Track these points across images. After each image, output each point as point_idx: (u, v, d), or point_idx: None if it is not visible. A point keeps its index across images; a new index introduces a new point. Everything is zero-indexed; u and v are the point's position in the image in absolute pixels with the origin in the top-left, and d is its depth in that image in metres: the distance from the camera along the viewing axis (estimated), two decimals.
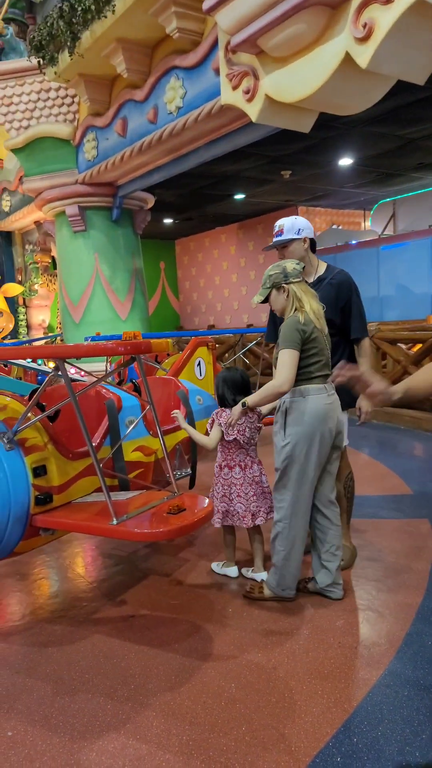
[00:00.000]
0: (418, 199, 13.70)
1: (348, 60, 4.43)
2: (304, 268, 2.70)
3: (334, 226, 15.13)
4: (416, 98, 7.49)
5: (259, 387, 2.82)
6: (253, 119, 5.39)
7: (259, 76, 5.22)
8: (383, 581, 2.88)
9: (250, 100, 5.35)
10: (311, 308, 2.59)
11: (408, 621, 2.50)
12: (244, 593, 2.79)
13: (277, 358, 2.59)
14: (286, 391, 2.54)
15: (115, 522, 2.19)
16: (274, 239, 2.96)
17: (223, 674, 2.20)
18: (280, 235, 2.93)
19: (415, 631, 2.42)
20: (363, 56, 4.29)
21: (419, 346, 7.01)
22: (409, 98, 7.46)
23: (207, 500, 2.45)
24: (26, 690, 2.19)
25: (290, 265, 2.63)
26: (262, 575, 2.92)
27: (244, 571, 3.03)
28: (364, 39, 4.21)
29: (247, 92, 5.34)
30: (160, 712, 2.01)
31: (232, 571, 3.04)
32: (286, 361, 2.51)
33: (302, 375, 2.57)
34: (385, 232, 14.11)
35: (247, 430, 2.87)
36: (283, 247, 2.95)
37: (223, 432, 2.86)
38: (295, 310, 2.59)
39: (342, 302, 2.91)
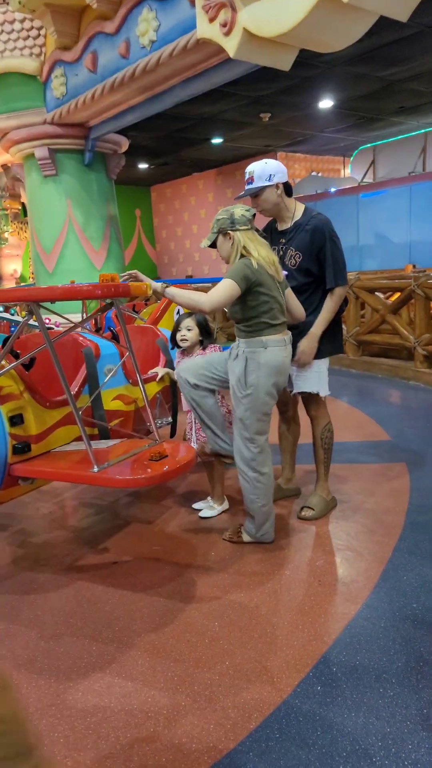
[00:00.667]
0: (399, 145, 13.44)
1: None
2: (254, 215, 2.63)
3: (314, 173, 14.82)
4: (399, 36, 7.23)
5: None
6: (231, 54, 5.16)
7: (237, 8, 4.97)
8: (362, 522, 2.96)
9: (227, 33, 5.11)
10: (260, 255, 2.52)
11: (385, 558, 2.58)
12: (224, 538, 2.83)
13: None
14: (206, 311, 2.55)
15: (96, 469, 2.17)
16: (246, 187, 2.83)
17: (207, 614, 2.25)
18: (251, 183, 2.79)
19: (391, 567, 2.50)
20: None
21: (397, 294, 7.01)
22: (391, 36, 7.20)
23: (189, 448, 2.45)
24: (9, 635, 2.21)
25: (239, 210, 2.55)
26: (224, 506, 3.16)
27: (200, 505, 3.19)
28: None
29: (224, 25, 5.08)
30: (144, 652, 2.06)
31: (225, 506, 3.18)
32: (222, 288, 2.46)
33: (257, 325, 2.55)
34: (364, 180, 13.87)
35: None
36: (255, 195, 2.82)
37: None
38: (241, 256, 2.52)
39: (316, 249, 2.79)
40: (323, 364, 2.96)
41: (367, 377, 6.85)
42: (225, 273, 2.57)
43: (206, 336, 3.11)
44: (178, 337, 3.08)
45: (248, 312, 2.54)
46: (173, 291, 2.51)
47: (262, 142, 13.08)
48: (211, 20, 5.19)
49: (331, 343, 2.95)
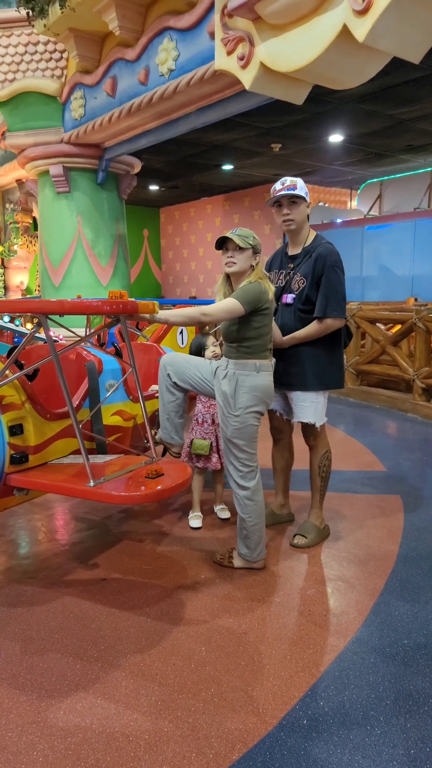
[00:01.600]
0: (405, 182, 13.68)
1: (345, 32, 4.36)
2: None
3: (321, 204, 15.04)
4: (410, 78, 7.41)
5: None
6: (247, 87, 5.28)
7: (255, 43, 5.11)
8: (354, 553, 2.94)
9: (244, 66, 5.24)
10: (269, 283, 2.61)
11: (376, 592, 2.55)
12: (215, 560, 2.81)
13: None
14: (205, 323, 2.57)
15: (92, 484, 2.16)
16: (286, 191, 2.75)
17: (194, 638, 2.22)
18: (293, 189, 2.75)
19: (383, 602, 2.47)
20: (361, 29, 4.22)
21: (398, 326, 7.06)
22: (402, 77, 7.38)
23: (184, 467, 2.44)
24: None
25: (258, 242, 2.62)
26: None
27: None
28: (362, 12, 4.13)
29: (241, 58, 5.22)
30: (129, 673, 2.02)
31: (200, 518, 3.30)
32: (226, 305, 2.48)
33: (252, 348, 2.59)
34: (370, 213, 14.08)
35: None
36: (292, 202, 2.78)
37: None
38: (259, 278, 2.57)
39: (316, 277, 2.78)
40: (321, 396, 2.96)
41: (364, 407, 6.86)
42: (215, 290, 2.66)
43: None
44: (208, 354, 3.11)
45: (249, 332, 2.57)
46: (165, 314, 2.49)
47: (271, 171, 13.30)
48: (229, 53, 5.33)
49: (333, 375, 2.95)
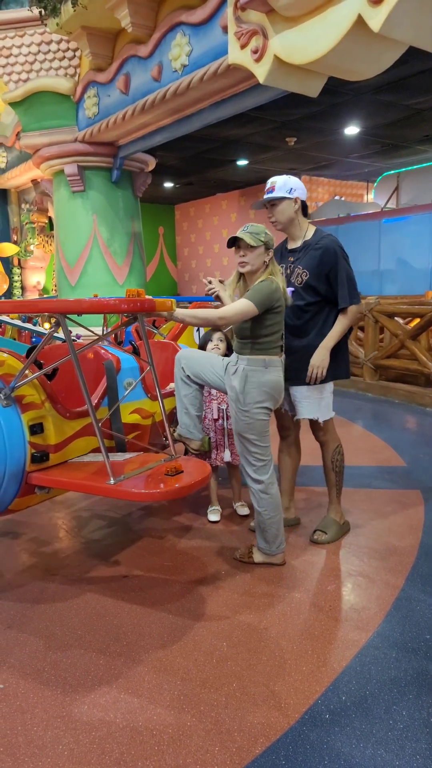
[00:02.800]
0: (423, 173, 13.50)
1: (360, 23, 4.30)
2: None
3: (337, 197, 14.92)
4: (426, 67, 7.30)
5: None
6: (261, 80, 5.24)
7: (269, 36, 5.06)
8: (374, 548, 2.92)
9: (258, 60, 5.20)
10: (280, 280, 2.61)
11: (398, 587, 2.54)
12: (235, 558, 2.82)
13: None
14: (221, 326, 2.56)
15: (112, 481, 2.18)
16: (265, 195, 2.85)
17: (215, 633, 2.23)
18: (271, 192, 2.81)
19: (404, 596, 2.46)
20: (376, 19, 4.16)
21: (417, 320, 6.98)
22: (419, 67, 7.27)
23: (204, 464, 2.45)
24: (18, 644, 2.21)
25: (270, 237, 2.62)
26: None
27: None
28: (377, 1, 4.08)
29: (255, 52, 5.18)
30: (152, 668, 2.04)
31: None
32: (240, 307, 2.49)
33: (263, 344, 2.59)
34: (387, 205, 13.93)
35: None
36: (272, 204, 2.83)
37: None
38: (270, 274, 2.58)
39: (326, 269, 2.79)
40: (325, 390, 2.92)
41: (383, 402, 6.81)
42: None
43: (232, 350, 3.19)
44: (210, 347, 3.22)
45: (261, 330, 2.58)
46: (181, 313, 2.52)
47: (286, 165, 13.22)
48: (243, 47, 5.30)
49: (335, 367, 2.90)
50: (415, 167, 13.63)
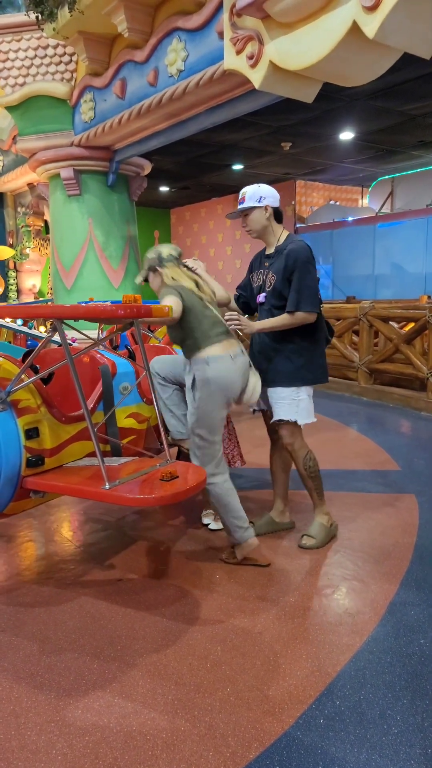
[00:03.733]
0: (417, 178, 13.58)
1: (355, 29, 4.33)
2: (180, 253, 2.84)
3: (332, 202, 14.98)
4: (421, 73, 7.36)
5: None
6: (256, 86, 5.28)
7: (264, 42, 5.10)
8: (369, 552, 2.93)
9: (253, 65, 5.23)
10: (188, 285, 2.70)
11: (392, 591, 2.55)
12: (221, 559, 2.84)
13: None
14: (171, 318, 2.57)
15: (107, 486, 2.18)
16: (238, 206, 2.94)
17: (210, 637, 2.23)
18: (242, 202, 2.90)
19: (398, 601, 2.47)
20: (370, 26, 4.19)
21: (411, 324, 7.02)
22: (413, 73, 7.33)
23: (199, 469, 2.46)
24: (12, 648, 2.21)
25: (166, 250, 2.78)
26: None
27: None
28: (372, 8, 4.11)
29: (251, 57, 5.21)
30: (146, 672, 2.04)
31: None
32: (170, 300, 2.61)
33: (193, 339, 2.66)
34: (382, 210, 14.00)
35: None
36: (245, 215, 2.92)
37: None
38: (166, 286, 2.71)
39: (288, 273, 2.81)
40: (301, 392, 2.89)
41: (377, 406, 6.83)
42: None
43: None
44: None
45: (183, 333, 2.68)
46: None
47: (281, 170, 13.27)
48: (239, 52, 5.33)
49: (309, 370, 2.90)
50: (409, 172, 13.72)
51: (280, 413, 2.92)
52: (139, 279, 2.85)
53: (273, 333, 2.90)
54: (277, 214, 2.94)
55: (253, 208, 2.88)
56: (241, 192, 2.94)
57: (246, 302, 3.16)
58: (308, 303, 2.78)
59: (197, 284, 2.76)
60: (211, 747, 1.70)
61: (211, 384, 2.63)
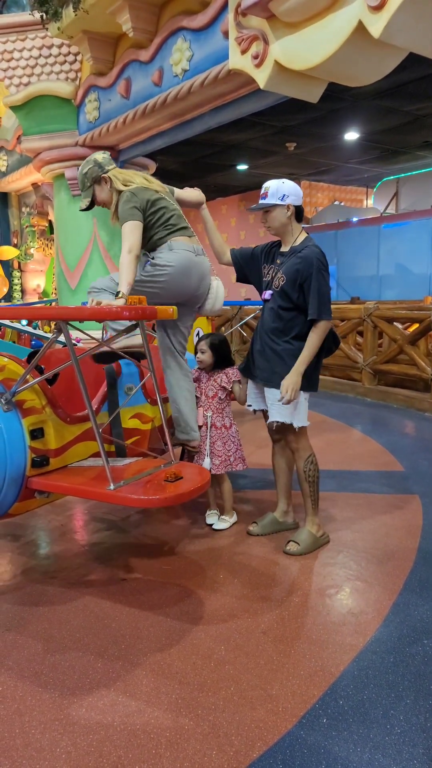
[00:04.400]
0: (423, 178, 13.56)
1: (360, 29, 4.33)
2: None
3: (337, 203, 14.96)
4: (426, 73, 7.35)
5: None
6: (261, 86, 5.28)
7: (269, 42, 5.09)
8: (372, 553, 2.93)
9: (258, 65, 5.23)
10: (141, 183, 2.65)
11: (395, 591, 2.55)
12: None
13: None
14: (137, 253, 2.56)
15: (112, 487, 2.19)
16: (259, 201, 2.85)
17: (213, 637, 2.24)
18: (264, 198, 2.83)
19: (402, 602, 2.47)
20: (376, 25, 4.19)
21: (416, 325, 7.01)
22: (419, 73, 7.32)
23: (203, 470, 2.46)
24: (17, 647, 2.22)
25: (99, 156, 2.71)
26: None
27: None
28: (377, 8, 4.11)
29: (256, 57, 5.21)
30: (150, 671, 2.05)
31: (235, 519, 3.34)
32: (126, 232, 2.57)
33: (158, 234, 2.65)
34: (387, 211, 13.98)
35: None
36: (265, 211, 2.85)
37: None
38: (124, 186, 2.63)
39: (302, 279, 2.75)
40: (300, 396, 2.83)
41: (381, 407, 6.82)
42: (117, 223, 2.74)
43: (220, 359, 3.18)
44: (196, 357, 3.23)
45: (148, 233, 2.64)
46: (122, 285, 2.54)
47: (286, 170, 13.27)
48: (244, 52, 5.33)
49: (305, 376, 2.81)
50: (414, 173, 13.70)
51: (275, 415, 2.88)
52: (84, 203, 2.74)
53: (274, 334, 2.87)
54: (298, 213, 2.88)
55: (275, 205, 2.82)
56: (264, 186, 2.85)
57: (238, 265, 3.13)
58: (326, 310, 2.75)
59: (147, 180, 2.70)
60: (214, 746, 1.71)
61: (170, 267, 2.58)
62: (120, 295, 2.50)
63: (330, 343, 2.93)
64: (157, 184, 2.76)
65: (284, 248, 2.93)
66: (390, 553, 2.94)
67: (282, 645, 2.18)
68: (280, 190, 2.81)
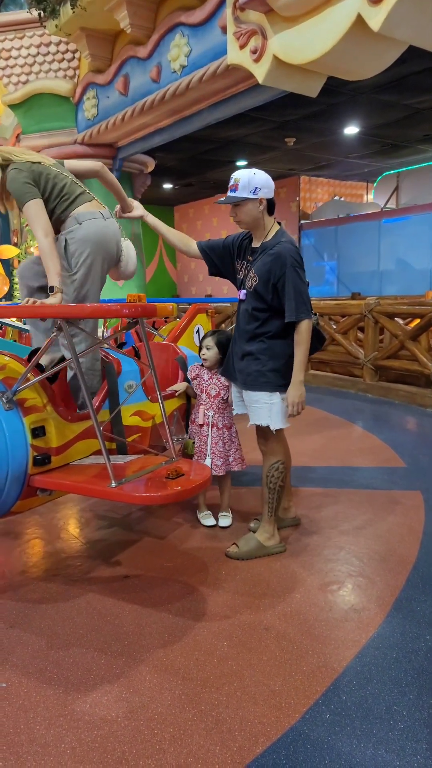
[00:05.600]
0: (423, 173, 13.51)
1: (360, 22, 4.32)
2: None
3: (336, 198, 14.93)
4: (426, 66, 7.32)
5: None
6: (260, 80, 5.27)
7: (268, 36, 5.09)
8: (374, 549, 2.94)
9: (257, 60, 5.22)
10: (32, 158, 2.51)
11: (398, 587, 2.55)
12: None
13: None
14: (53, 234, 2.45)
15: (113, 485, 2.20)
16: (228, 194, 2.64)
17: (216, 633, 2.25)
18: (234, 190, 2.60)
19: (404, 597, 2.47)
20: (375, 19, 4.18)
21: (417, 321, 7.00)
22: (419, 66, 7.29)
23: (204, 467, 2.47)
24: (21, 643, 2.23)
25: None
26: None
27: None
28: (377, 1, 4.10)
29: (254, 52, 5.21)
30: (153, 668, 2.06)
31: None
32: (32, 215, 2.43)
33: (59, 207, 2.52)
34: (387, 205, 13.94)
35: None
36: (235, 205, 2.64)
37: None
38: (6, 166, 2.48)
39: (275, 278, 2.57)
40: (274, 397, 2.70)
41: (383, 403, 6.82)
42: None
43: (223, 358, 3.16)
44: (200, 354, 3.21)
45: (49, 207, 2.51)
46: (50, 274, 2.45)
47: (285, 165, 13.24)
48: (242, 47, 5.32)
49: (284, 377, 2.69)
50: (414, 167, 13.65)
51: (253, 417, 2.78)
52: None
53: (248, 334, 2.72)
54: (270, 206, 2.67)
55: (246, 200, 2.60)
56: (233, 177, 2.62)
57: (209, 259, 2.91)
58: (304, 310, 2.59)
59: (26, 153, 2.56)
60: (218, 741, 1.71)
61: (88, 243, 2.45)
62: (54, 291, 2.41)
63: (315, 342, 2.73)
64: (38, 155, 2.57)
65: (255, 243, 2.74)
66: (392, 549, 2.94)
67: (284, 641, 2.19)
68: (251, 182, 2.58)
